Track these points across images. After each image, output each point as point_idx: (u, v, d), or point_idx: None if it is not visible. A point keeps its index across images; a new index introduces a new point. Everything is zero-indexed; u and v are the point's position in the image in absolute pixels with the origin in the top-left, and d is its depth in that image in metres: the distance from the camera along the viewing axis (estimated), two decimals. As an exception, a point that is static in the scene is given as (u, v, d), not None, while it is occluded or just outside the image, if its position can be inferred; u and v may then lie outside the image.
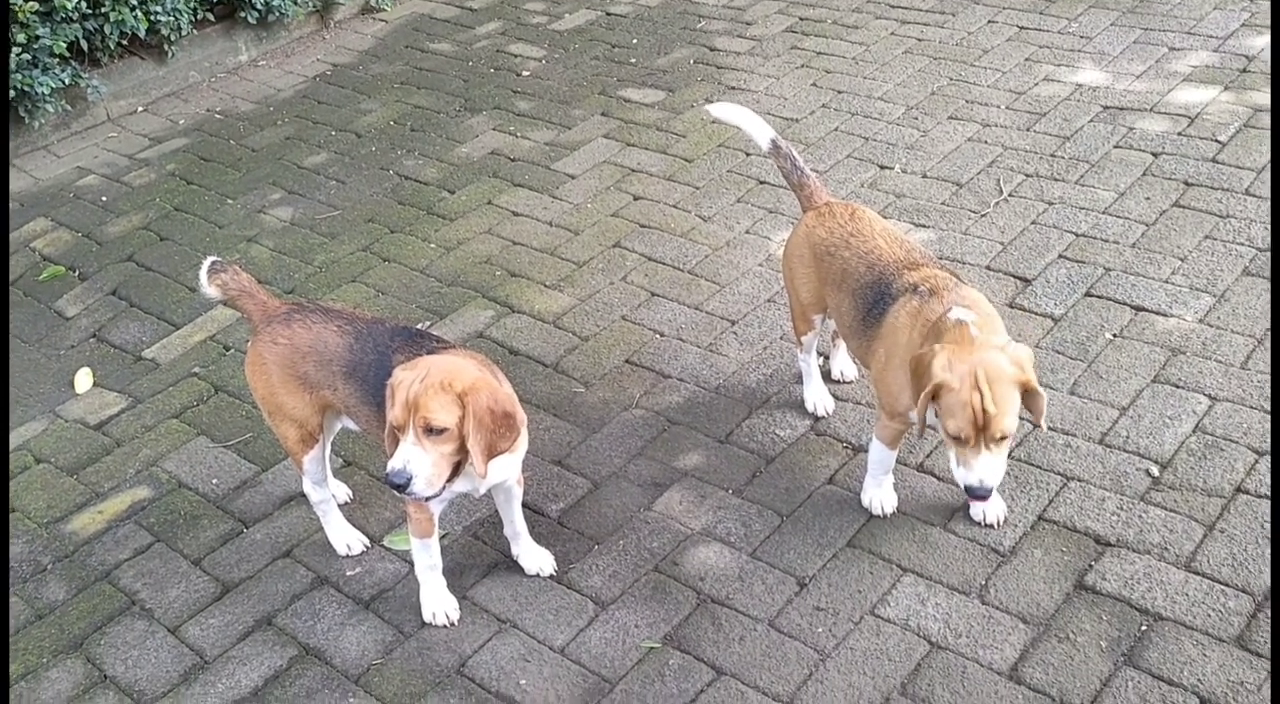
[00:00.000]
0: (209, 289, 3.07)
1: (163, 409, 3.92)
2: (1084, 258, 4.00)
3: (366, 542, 3.23)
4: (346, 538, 3.22)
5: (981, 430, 2.52)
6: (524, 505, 3.11)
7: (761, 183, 4.74)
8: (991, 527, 2.98)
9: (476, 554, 3.18)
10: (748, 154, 4.94)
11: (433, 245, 4.66)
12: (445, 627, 2.95)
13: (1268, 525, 2.90)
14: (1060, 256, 4.03)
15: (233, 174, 5.42)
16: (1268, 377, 3.37)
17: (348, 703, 2.80)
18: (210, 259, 3.09)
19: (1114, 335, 3.63)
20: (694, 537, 3.14)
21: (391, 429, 2.56)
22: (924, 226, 4.31)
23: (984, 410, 2.49)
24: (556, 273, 4.37)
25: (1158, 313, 3.69)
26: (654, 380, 3.75)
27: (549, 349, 3.96)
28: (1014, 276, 3.97)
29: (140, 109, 6.09)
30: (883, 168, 4.71)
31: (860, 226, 3.06)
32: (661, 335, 3.95)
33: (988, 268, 4.03)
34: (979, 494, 2.59)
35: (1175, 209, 4.18)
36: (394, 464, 2.52)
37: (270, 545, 3.29)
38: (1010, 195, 4.41)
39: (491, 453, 2.57)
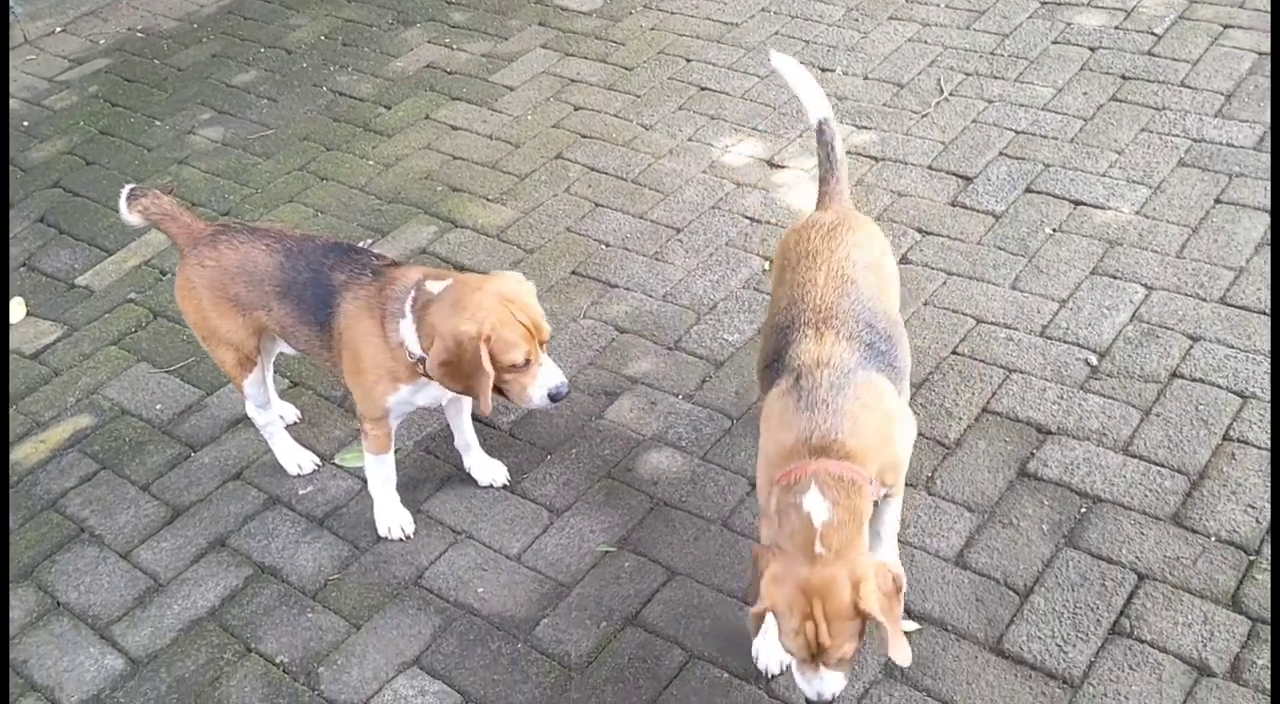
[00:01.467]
0: (130, 216, 3.00)
1: (100, 336, 3.84)
2: (1024, 154, 4.02)
3: (317, 460, 3.22)
4: (296, 458, 3.20)
5: (817, 656, 2.12)
6: (474, 418, 3.11)
7: (703, 89, 4.68)
8: None
9: (429, 468, 3.18)
10: (688, 60, 4.87)
11: (371, 162, 4.57)
12: (401, 541, 2.96)
13: (1202, 408, 2.98)
14: (1000, 154, 4.05)
15: (158, 94, 5.25)
16: (1202, 264, 3.43)
17: (306, 618, 2.81)
18: (128, 186, 3.01)
19: (1053, 230, 3.67)
20: (645, 443, 3.16)
21: (513, 367, 2.55)
22: (866, 128, 4.29)
23: (818, 641, 2.08)
24: (498, 186, 4.30)
25: (1096, 206, 3.73)
26: (601, 290, 3.73)
27: (494, 263, 3.92)
28: (955, 175, 3.98)
29: (59, 29, 5.86)
30: (824, 70, 4.67)
31: (822, 247, 2.54)
32: (607, 245, 3.93)
33: (929, 167, 4.04)
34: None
35: (1112, 103, 4.20)
36: (558, 379, 2.60)
37: (219, 468, 3.27)
38: (951, 95, 4.40)
39: None
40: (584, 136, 4.51)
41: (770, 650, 2.48)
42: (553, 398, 2.60)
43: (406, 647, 2.71)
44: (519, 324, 2.52)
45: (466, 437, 3.06)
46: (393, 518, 2.98)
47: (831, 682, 2.13)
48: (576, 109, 4.70)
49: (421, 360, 2.61)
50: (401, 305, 2.63)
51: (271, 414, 3.14)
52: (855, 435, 2.16)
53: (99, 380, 3.65)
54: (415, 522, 3.01)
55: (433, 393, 2.75)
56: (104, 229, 4.39)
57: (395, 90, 5.02)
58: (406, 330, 2.62)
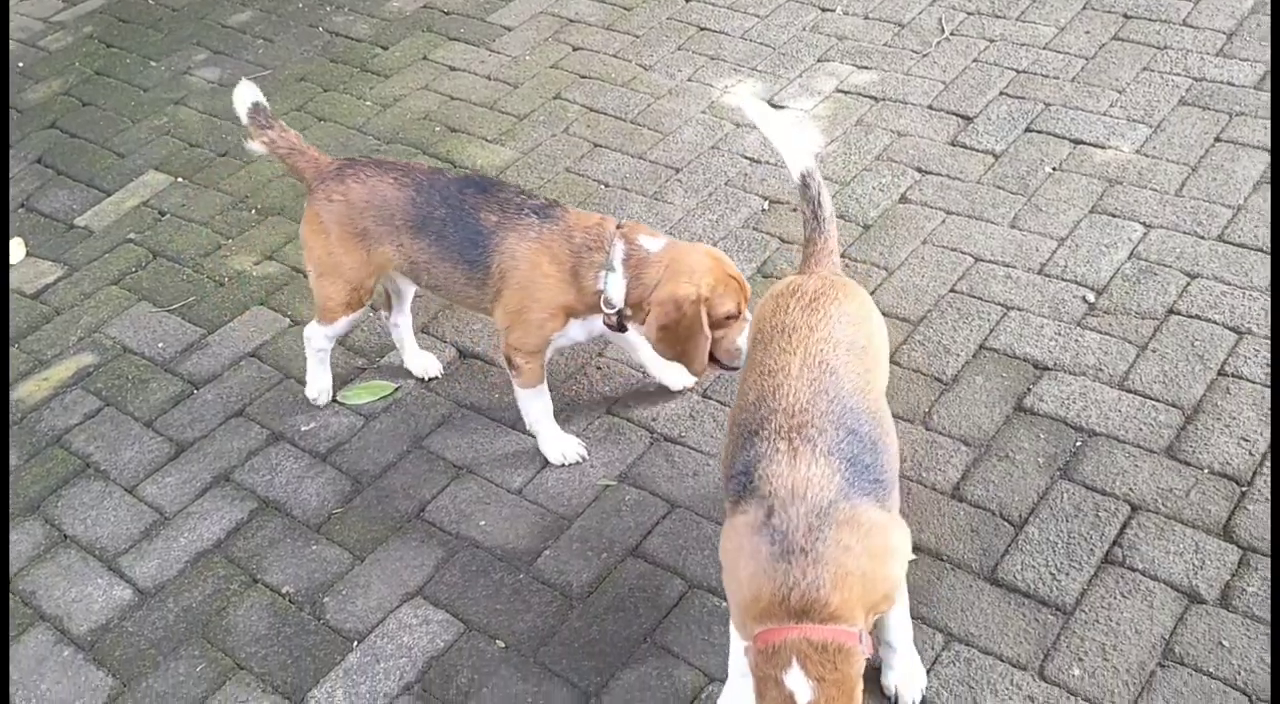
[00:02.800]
0: (255, 144, 2.96)
1: (100, 276, 3.84)
2: (1024, 94, 4.00)
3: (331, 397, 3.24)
4: (321, 385, 3.21)
5: None
6: (475, 356, 3.13)
7: (702, 29, 4.65)
8: None
9: (430, 406, 3.20)
10: (687, 0, 4.83)
11: (369, 103, 4.55)
12: (577, 463, 2.95)
13: (1198, 343, 3.00)
14: (1001, 93, 4.03)
15: (154, 35, 5.21)
16: (1201, 202, 3.43)
17: (310, 550, 2.85)
18: (251, 100, 2.95)
19: (1053, 169, 3.66)
20: (643, 380, 3.18)
21: (725, 319, 2.64)
22: (866, 68, 4.27)
23: None
24: (497, 127, 4.29)
25: (1096, 145, 3.72)
26: (600, 230, 3.73)
27: (493, 203, 3.91)
28: (956, 115, 3.97)
29: (49, -30, 5.80)
30: (824, 10, 4.63)
31: (800, 323, 2.22)
32: (606, 186, 3.92)
33: (930, 107, 4.02)
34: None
35: (1114, 42, 4.18)
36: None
37: (222, 405, 3.29)
38: (952, 34, 4.37)
39: None
40: (583, 77, 4.48)
41: None
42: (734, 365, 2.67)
43: (410, 577, 2.75)
44: (730, 278, 2.64)
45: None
46: (562, 444, 2.96)
47: None
48: (575, 49, 4.66)
49: (620, 313, 2.68)
50: (608, 257, 2.65)
51: (329, 346, 3.14)
52: (840, 589, 1.89)
53: (100, 319, 3.66)
54: (417, 459, 3.04)
55: (594, 329, 2.80)
56: (102, 170, 4.37)
57: (392, 30, 4.98)
58: (614, 284, 2.64)
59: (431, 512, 2.91)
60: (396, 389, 3.26)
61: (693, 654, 2.49)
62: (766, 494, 1.98)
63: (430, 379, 3.25)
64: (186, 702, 2.55)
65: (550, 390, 3.16)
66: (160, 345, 3.53)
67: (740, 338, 2.66)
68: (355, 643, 2.62)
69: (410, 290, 3.14)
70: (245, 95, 2.97)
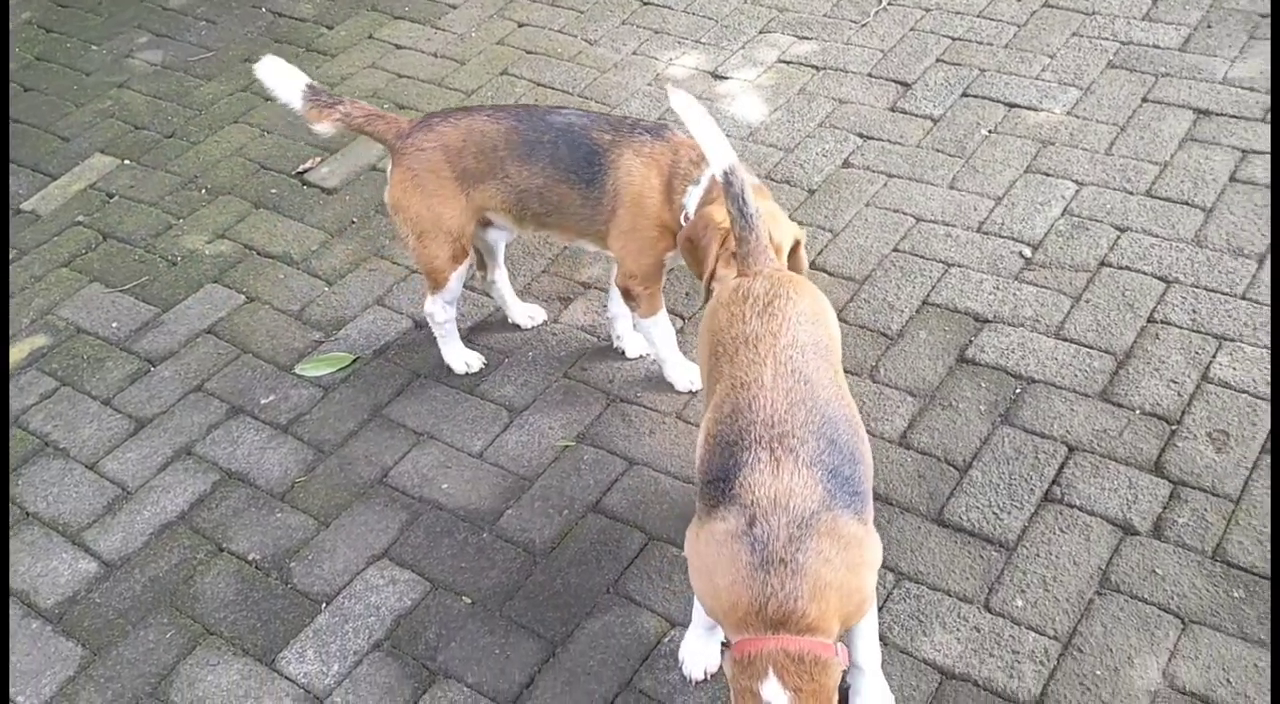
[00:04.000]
0: (321, 126, 2.93)
1: (50, 259, 3.84)
2: (960, 60, 4.12)
3: (484, 360, 3.23)
4: (465, 357, 3.21)
5: None
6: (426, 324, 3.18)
7: (646, 4, 4.71)
8: None
9: (388, 376, 3.25)
10: (630, -25, 4.89)
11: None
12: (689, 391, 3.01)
13: (1128, 293, 3.13)
14: (938, 60, 4.14)
15: (93, 19, 5.17)
16: (1129, 160, 3.56)
17: (275, 518, 2.89)
18: (305, 83, 2.92)
19: (989, 132, 3.78)
20: (600, 344, 3.25)
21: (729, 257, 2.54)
22: (807, 39, 4.36)
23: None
24: (445, 103, 4.32)
25: (1029, 108, 3.85)
26: (551, 201, 3.79)
27: (443, 177, 3.95)
28: (895, 82, 4.07)
29: (-18, -45, 5.71)
30: (765, -17, 4.71)
31: (762, 331, 2.19)
32: (555, 158, 3.97)
33: (869, 75, 4.12)
34: None
35: (1045, 9, 4.30)
36: None
37: (180, 381, 3.31)
38: (889, 4, 4.47)
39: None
40: (529, 53, 4.53)
41: (695, 658, 2.42)
42: None
43: (375, 540, 2.80)
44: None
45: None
46: (689, 371, 3.02)
47: None
48: (520, 25, 4.71)
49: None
50: (697, 172, 2.69)
51: (452, 313, 3.12)
52: (818, 600, 1.89)
53: (52, 301, 3.66)
54: (378, 427, 3.09)
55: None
56: (46, 154, 4.35)
57: (336, 10, 4.99)
58: (693, 197, 2.68)
59: (394, 477, 2.96)
60: (355, 360, 3.30)
61: (655, 602, 2.57)
62: (748, 503, 1.95)
63: (540, 324, 3.30)
64: (157, 667, 2.59)
65: (507, 356, 3.23)
66: (114, 325, 3.54)
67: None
68: (324, 605, 2.67)
69: (502, 245, 3.13)
70: (286, 78, 2.94)
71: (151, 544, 2.87)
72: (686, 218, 2.71)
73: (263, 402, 3.22)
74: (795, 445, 1.99)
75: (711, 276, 2.59)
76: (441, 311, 3.09)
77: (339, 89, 4.47)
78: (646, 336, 3.01)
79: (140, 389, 3.31)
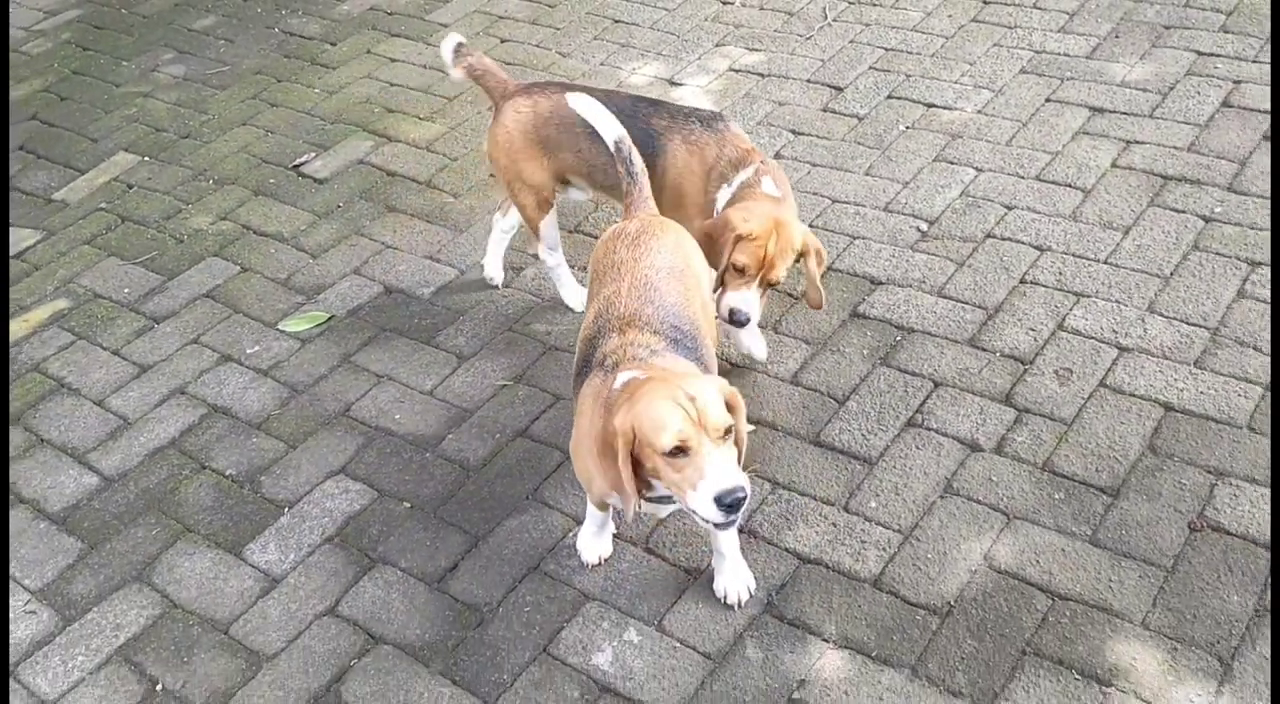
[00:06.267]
0: (455, 72, 3.35)
1: (75, 238, 4.36)
2: (890, 68, 4.56)
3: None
4: (579, 296, 3.58)
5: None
6: (400, 291, 3.63)
7: (616, 22, 5.21)
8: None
9: (359, 330, 3.71)
10: (604, -3, 5.40)
11: (316, 91, 5.08)
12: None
13: (1006, 259, 3.53)
14: (870, 68, 4.58)
15: (126, 39, 5.75)
16: (1025, 150, 3.98)
17: (251, 443, 3.35)
18: (455, 40, 3.34)
19: (906, 127, 4.21)
20: (543, 304, 3.69)
21: (734, 268, 2.93)
22: (756, 50, 4.83)
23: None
24: (429, 107, 4.83)
25: (945, 107, 4.27)
26: (514, 188, 4.26)
27: (422, 169, 4.45)
28: (829, 86, 4.52)
29: (31, -16, 6.35)
30: (724, 3, 5.20)
31: (627, 258, 2.64)
32: (522, 153, 4.45)
33: (808, 81, 4.57)
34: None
35: (972, 23, 4.74)
36: (740, 304, 2.98)
37: (179, 335, 3.79)
38: (833, 20, 4.93)
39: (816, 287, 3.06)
40: (508, 63, 5.02)
41: (589, 548, 2.81)
42: (736, 319, 3.02)
43: (334, 460, 3.24)
44: (763, 246, 2.90)
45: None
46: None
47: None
48: (503, 41, 5.22)
49: None
50: (732, 175, 3.02)
51: (559, 256, 3.50)
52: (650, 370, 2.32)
53: (74, 272, 4.17)
54: (345, 371, 3.54)
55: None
56: (77, 152, 4.90)
57: (340, 30, 5.54)
58: (723, 197, 3.04)
59: (355, 410, 3.41)
60: (330, 318, 3.76)
61: (565, 505, 2.99)
62: (603, 357, 2.42)
63: (493, 287, 3.67)
64: (143, 557, 3.04)
65: (461, 314, 3.68)
66: (126, 291, 4.04)
67: (735, 296, 2.99)
68: (286, 509, 3.11)
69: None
70: (450, 41, 3.35)
71: (145, 463, 3.33)
72: (716, 212, 3.07)
73: (248, 351, 3.69)
74: (641, 325, 2.43)
75: (724, 270, 2.95)
76: (548, 256, 3.50)
77: (337, 96, 4.99)
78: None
79: (144, 342, 3.79)
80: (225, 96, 5.14)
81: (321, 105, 4.96)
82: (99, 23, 5.95)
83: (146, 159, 4.79)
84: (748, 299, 2.99)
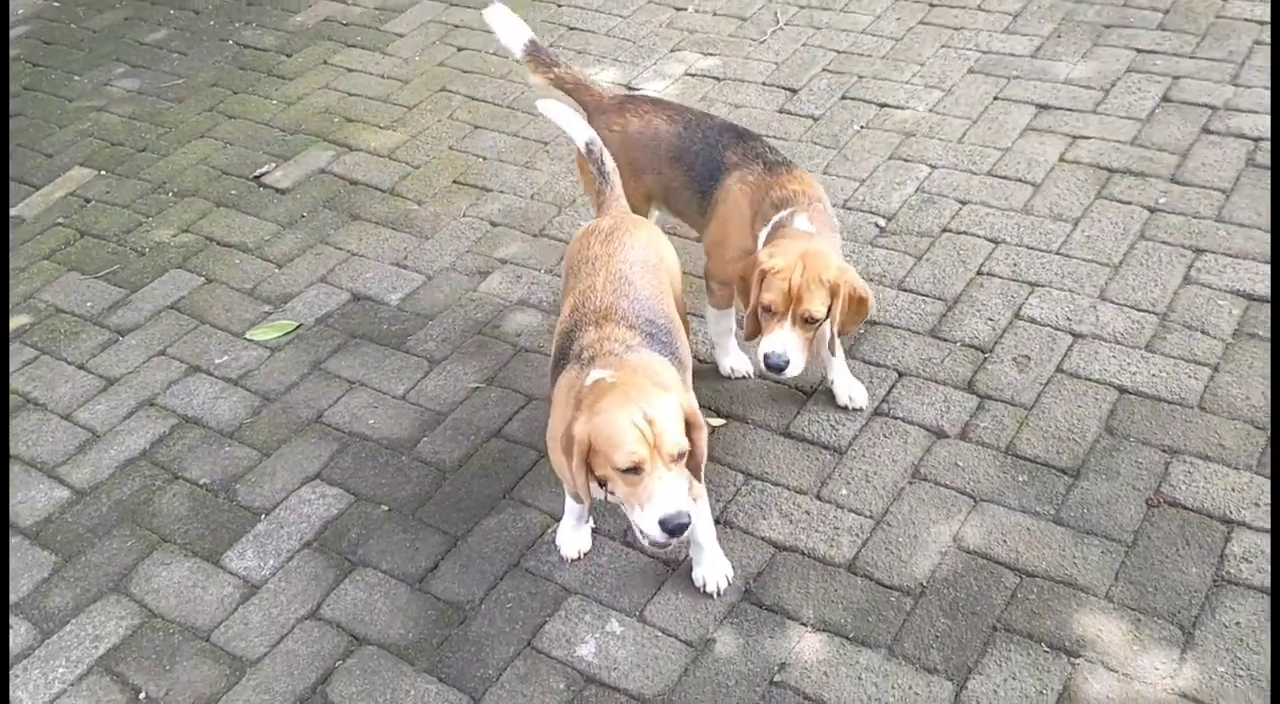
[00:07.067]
0: (536, 77, 3.28)
1: (33, 253, 4.33)
2: (843, 70, 4.66)
3: None
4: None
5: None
6: (368, 298, 3.65)
7: (571, 29, 5.26)
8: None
9: (328, 338, 3.72)
10: (559, 5, 5.45)
11: (274, 102, 5.09)
12: (742, 379, 3.28)
13: (963, 252, 3.63)
14: (824, 70, 4.68)
15: (77, 54, 5.71)
16: (977, 147, 4.09)
17: (224, 451, 3.35)
18: (528, 38, 3.26)
19: (861, 127, 4.31)
20: (511, 306, 3.74)
21: (764, 308, 2.76)
22: (711, 55, 4.91)
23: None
24: (389, 116, 4.85)
25: (897, 107, 4.38)
26: (478, 194, 4.30)
27: (385, 177, 4.47)
28: (784, 88, 4.61)
29: (-24, 0, 6.28)
30: (678, 10, 5.28)
31: (601, 253, 2.69)
32: (484, 159, 4.49)
33: (763, 84, 4.66)
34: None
35: (920, 25, 4.86)
36: (774, 347, 2.76)
37: (145, 347, 3.79)
38: (785, 25, 5.03)
39: (844, 331, 2.85)
40: (465, 72, 5.07)
41: (568, 542, 2.84)
42: (770, 365, 2.80)
43: (309, 466, 3.26)
44: (789, 282, 2.71)
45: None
46: (733, 361, 3.27)
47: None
48: (459, 50, 5.25)
49: None
50: (772, 214, 2.89)
51: None
52: (623, 367, 2.36)
53: (34, 287, 4.14)
54: (316, 378, 3.56)
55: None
56: (32, 168, 4.86)
57: (295, 41, 5.54)
58: (763, 236, 2.92)
59: (328, 416, 3.42)
60: (298, 326, 3.78)
61: (542, 503, 3.03)
62: (580, 350, 2.46)
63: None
64: (119, 568, 3.04)
65: (430, 319, 3.71)
66: (89, 304, 4.02)
67: (767, 340, 2.80)
68: (263, 516, 3.13)
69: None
70: (511, 27, 3.28)
71: (116, 475, 3.32)
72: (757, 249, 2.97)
73: (217, 361, 3.69)
74: (617, 318, 2.48)
75: (754, 310, 2.82)
76: None
77: (295, 107, 5.00)
78: (708, 320, 3.25)
79: (110, 355, 3.78)
80: (181, 109, 5.13)
81: (280, 116, 4.97)
82: (48, 38, 5.90)
83: (103, 173, 4.76)
84: (782, 341, 2.77)
